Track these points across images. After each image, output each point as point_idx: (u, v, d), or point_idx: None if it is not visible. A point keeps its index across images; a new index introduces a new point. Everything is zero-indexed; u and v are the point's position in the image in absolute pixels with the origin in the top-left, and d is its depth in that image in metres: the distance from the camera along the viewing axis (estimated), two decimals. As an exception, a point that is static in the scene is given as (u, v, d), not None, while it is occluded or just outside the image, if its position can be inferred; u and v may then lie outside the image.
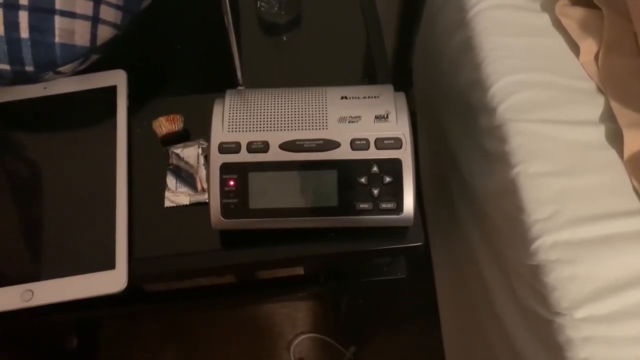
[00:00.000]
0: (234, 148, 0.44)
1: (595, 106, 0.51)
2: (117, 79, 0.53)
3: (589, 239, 0.44)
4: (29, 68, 0.47)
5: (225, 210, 0.44)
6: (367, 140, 0.44)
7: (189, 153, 0.50)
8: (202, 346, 0.99)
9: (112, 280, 0.44)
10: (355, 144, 0.44)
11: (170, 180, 0.49)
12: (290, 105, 0.46)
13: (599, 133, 0.49)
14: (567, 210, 0.45)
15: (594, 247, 0.43)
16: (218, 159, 0.44)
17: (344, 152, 0.44)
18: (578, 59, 0.53)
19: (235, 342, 0.99)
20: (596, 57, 0.53)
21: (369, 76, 0.56)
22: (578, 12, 0.55)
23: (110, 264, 0.45)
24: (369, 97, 0.46)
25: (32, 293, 0.43)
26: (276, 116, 0.45)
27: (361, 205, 0.44)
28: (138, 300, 0.56)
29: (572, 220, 0.44)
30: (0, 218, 0.47)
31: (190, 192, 0.49)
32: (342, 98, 0.46)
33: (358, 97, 0.46)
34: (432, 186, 0.78)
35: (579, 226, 0.44)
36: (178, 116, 0.51)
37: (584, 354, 0.40)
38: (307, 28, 0.60)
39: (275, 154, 0.44)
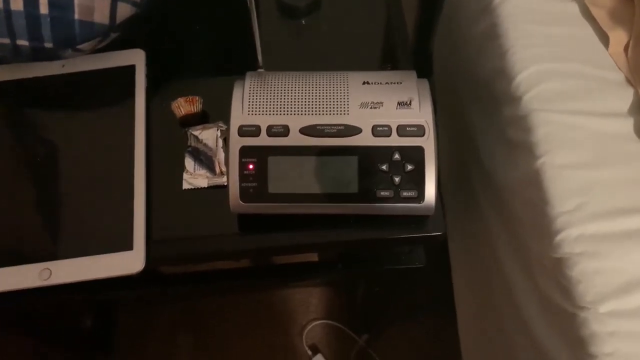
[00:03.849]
0: (254, 131, 0.43)
1: (623, 97, 0.50)
2: (136, 58, 0.52)
3: (615, 232, 0.43)
4: (48, 44, 0.46)
5: (244, 194, 0.43)
6: (389, 126, 0.44)
7: (208, 135, 0.49)
8: (216, 332, 0.99)
9: (130, 261, 0.44)
10: (376, 131, 0.43)
11: (189, 162, 0.48)
12: (311, 89, 0.45)
13: (627, 125, 0.48)
14: (593, 202, 0.44)
15: (620, 240, 0.43)
16: (237, 142, 0.43)
17: (365, 139, 0.43)
18: (607, 49, 0.52)
19: (248, 328, 0.99)
20: (626, 48, 0.51)
21: (390, 62, 0.55)
22: (608, 0, 0.53)
23: (128, 245, 0.44)
24: (391, 83, 0.45)
25: (50, 272, 0.43)
26: (297, 100, 0.44)
27: (382, 193, 0.43)
28: (153, 282, 0.56)
29: (598, 213, 0.43)
30: (18, 197, 0.47)
31: (208, 174, 0.48)
32: (364, 83, 0.45)
33: (380, 83, 0.45)
34: (451, 175, 0.77)
35: (605, 219, 0.43)
36: (197, 98, 0.50)
37: (609, 348, 0.39)
38: (327, 11, 0.59)
39: (295, 139, 0.43)
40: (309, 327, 0.98)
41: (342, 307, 1.00)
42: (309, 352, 0.96)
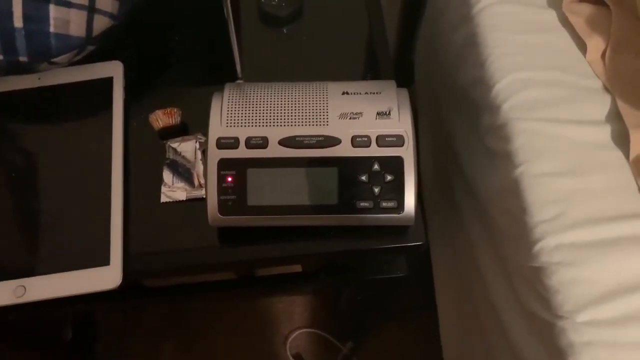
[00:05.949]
0: (233, 143, 0.43)
1: (601, 105, 0.50)
2: (114, 70, 0.52)
3: (593, 242, 0.43)
4: (23, 58, 0.46)
5: (223, 207, 0.43)
6: (368, 137, 0.44)
7: (187, 147, 0.49)
8: (200, 340, 0.99)
9: (107, 277, 0.43)
10: (356, 141, 0.43)
11: (167, 175, 0.48)
12: (290, 100, 0.45)
13: (605, 133, 0.48)
14: (571, 211, 0.44)
15: (598, 249, 0.43)
16: (216, 155, 0.43)
17: (345, 149, 0.43)
18: (585, 56, 0.52)
19: (233, 336, 0.99)
20: (603, 55, 0.52)
21: (371, 71, 0.55)
22: (586, 8, 0.54)
23: (104, 260, 0.44)
24: (370, 93, 0.45)
25: (25, 289, 0.43)
26: (276, 111, 0.44)
27: (362, 204, 0.43)
28: (133, 294, 0.56)
29: (576, 222, 0.44)
30: (-8, 212, 0.46)
31: (187, 187, 0.48)
32: (343, 93, 0.45)
33: (360, 93, 0.45)
34: (433, 184, 0.77)
35: (583, 228, 0.43)
36: (175, 110, 0.50)
37: (586, 358, 0.39)
38: (308, 21, 0.59)
39: (274, 150, 0.43)
40: (293, 335, 0.98)
41: (325, 315, 0.99)
42: (293, 361, 0.96)
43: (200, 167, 0.48)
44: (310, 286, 0.77)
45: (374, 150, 0.43)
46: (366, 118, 0.44)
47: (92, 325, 0.98)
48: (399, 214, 0.43)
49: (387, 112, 0.44)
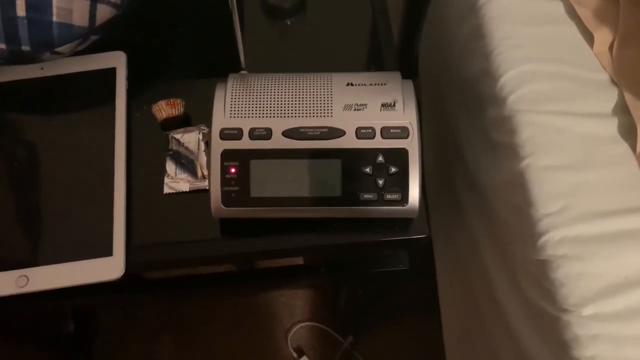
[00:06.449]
0: (236, 134, 0.43)
1: (608, 98, 0.49)
2: (117, 60, 0.51)
3: (599, 235, 0.43)
4: (26, 47, 0.46)
5: (226, 198, 0.43)
6: (372, 128, 0.43)
7: (190, 138, 0.49)
8: (200, 335, 0.99)
9: (109, 267, 0.43)
10: (360, 133, 0.43)
11: (170, 166, 0.48)
12: (294, 91, 0.44)
13: (611, 126, 0.48)
14: (577, 205, 0.44)
15: (604, 243, 0.42)
16: (219, 146, 0.43)
17: (349, 141, 0.43)
18: (592, 49, 0.52)
19: (233, 330, 0.99)
20: (611, 47, 0.51)
21: (375, 63, 0.55)
22: (593, 0, 0.53)
23: (107, 251, 0.44)
24: (375, 85, 0.45)
25: (27, 279, 0.43)
26: (280, 102, 0.44)
27: (365, 196, 0.43)
28: (135, 287, 0.56)
29: (581, 216, 0.43)
30: (-5, 202, 0.46)
31: (190, 178, 0.47)
32: (347, 85, 0.45)
33: (364, 84, 0.45)
34: (435, 177, 0.77)
35: (588, 221, 0.43)
36: (179, 100, 0.49)
37: (591, 352, 0.39)
38: (312, 12, 0.58)
39: (278, 142, 0.43)
40: (294, 329, 0.98)
41: (326, 309, 0.99)
42: (294, 355, 0.96)
43: (203, 158, 0.48)
44: (312, 281, 0.77)
45: (379, 142, 0.43)
46: (371, 109, 0.44)
47: (93, 320, 0.98)
48: (403, 206, 0.43)
49: (392, 104, 0.44)
